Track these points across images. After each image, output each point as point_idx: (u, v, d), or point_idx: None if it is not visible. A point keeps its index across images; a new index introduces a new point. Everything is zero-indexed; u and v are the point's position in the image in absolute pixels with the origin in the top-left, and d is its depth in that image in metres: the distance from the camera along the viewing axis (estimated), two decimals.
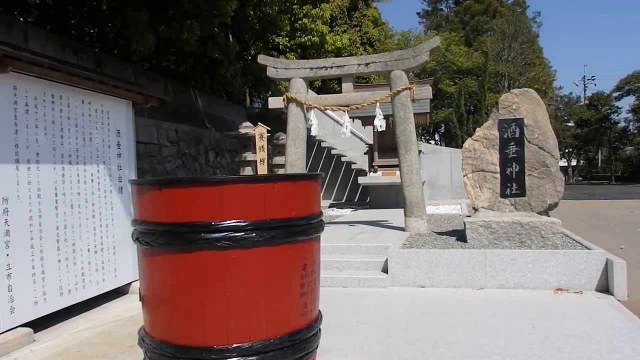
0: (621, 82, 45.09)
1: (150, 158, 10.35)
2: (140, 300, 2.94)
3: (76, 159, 4.55)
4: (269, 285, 2.62)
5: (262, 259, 2.60)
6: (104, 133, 4.95)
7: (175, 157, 11.39)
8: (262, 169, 10.62)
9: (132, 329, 4.07)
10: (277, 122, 14.50)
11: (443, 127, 34.86)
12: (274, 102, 7.89)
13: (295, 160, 7.57)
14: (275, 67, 7.75)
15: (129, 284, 5.25)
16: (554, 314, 4.20)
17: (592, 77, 62.63)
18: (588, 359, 3.24)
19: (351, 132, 7.81)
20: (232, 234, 2.52)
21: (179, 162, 11.51)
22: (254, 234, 2.55)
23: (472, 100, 28.46)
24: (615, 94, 45.99)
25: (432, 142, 35.47)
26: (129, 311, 4.63)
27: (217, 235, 2.52)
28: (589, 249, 5.31)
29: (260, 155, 10.68)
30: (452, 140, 27.09)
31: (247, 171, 10.84)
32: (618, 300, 4.60)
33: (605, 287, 4.90)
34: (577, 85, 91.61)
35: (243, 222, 2.55)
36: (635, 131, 47.34)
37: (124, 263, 5.13)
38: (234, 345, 2.56)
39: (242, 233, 2.53)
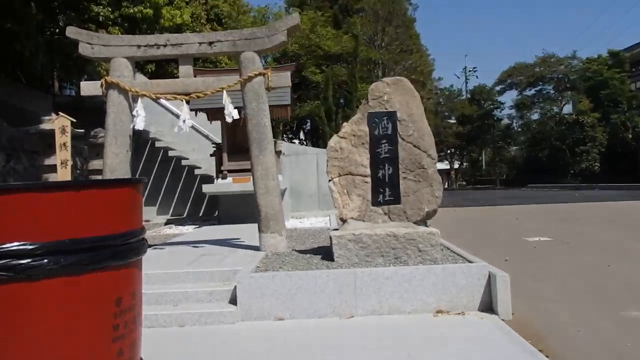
0: (503, 75, 51.01)
1: None
2: None
3: None
4: (68, 330, 2.46)
5: (58, 294, 2.45)
6: None
7: None
8: (64, 174, 9.93)
9: None
10: (95, 115, 13.73)
11: (309, 123, 36.00)
12: (89, 88, 7.58)
13: (117, 164, 7.24)
14: (90, 42, 7.38)
15: None
16: (433, 341, 4.51)
17: (474, 68, 69.59)
18: None
19: (193, 128, 7.70)
20: (14, 262, 2.36)
21: None
22: (46, 261, 2.40)
23: (342, 91, 29.82)
24: (498, 88, 51.92)
25: (296, 141, 36.48)
26: None
27: None
28: (471, 262, 5.83)
29: (61, 155, 9.95)
30: (319, 138, 28.14)
31: (53, 179, 10.12)
32: (502, 319, 5.05)
33: (489, 306, 5.39)
34: (458, 77, 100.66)
35: (30, 245, 2.39)
36: (519, 129, 53.84)
37: None
38: None
39: (29, 260, 2.38)
